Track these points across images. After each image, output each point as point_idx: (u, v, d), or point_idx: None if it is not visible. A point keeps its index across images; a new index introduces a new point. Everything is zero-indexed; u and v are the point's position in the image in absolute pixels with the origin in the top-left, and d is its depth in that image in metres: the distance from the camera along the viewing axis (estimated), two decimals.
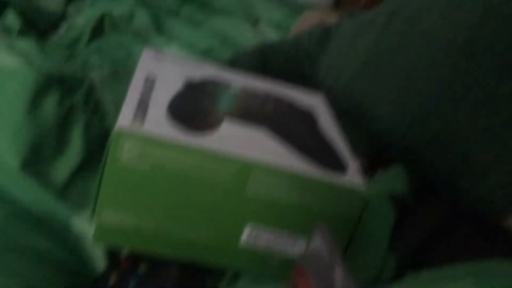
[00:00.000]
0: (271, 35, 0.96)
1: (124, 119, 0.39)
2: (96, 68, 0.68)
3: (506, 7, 0.52)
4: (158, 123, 0.39)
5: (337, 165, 0.43)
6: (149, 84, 0.45)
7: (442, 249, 0.54)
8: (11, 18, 0.76)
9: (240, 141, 0.41)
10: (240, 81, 0.52)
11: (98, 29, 0.78)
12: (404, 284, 0.46)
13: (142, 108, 0.41)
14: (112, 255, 0.44)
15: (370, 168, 0.61)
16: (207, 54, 0.81)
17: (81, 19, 0.83)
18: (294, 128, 0.46)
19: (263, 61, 0.71)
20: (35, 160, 0.46)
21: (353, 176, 0.42)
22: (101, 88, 0.63)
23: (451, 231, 0.56)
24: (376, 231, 0.49)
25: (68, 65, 0.65)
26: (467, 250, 0.53)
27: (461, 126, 0.53)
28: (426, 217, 0.56)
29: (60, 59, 0.65)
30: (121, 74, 0.72)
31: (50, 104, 0.48)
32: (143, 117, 0.40)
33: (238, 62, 0.71)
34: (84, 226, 0.45)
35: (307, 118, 0.49)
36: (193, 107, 0.44)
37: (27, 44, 0.57)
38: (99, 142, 0.51)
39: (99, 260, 0.44)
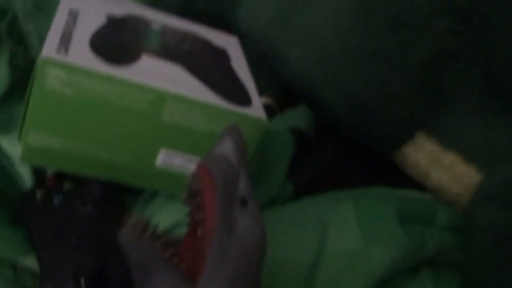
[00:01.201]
0: None
1: (49, 48, 0.42)
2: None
3: None
4: (81, 54, 0.43)
5: (244, 100, 0.49)
6: (73, 17, 0.48)
7: (334, 179, 0.62)
8: None
9: (158, 74, 0.45)
10: (161, 19, 0.56)
11: None
12: (296, 204, 0.55)
13: (66, 39, 0.44)
14: (39, 174, 0.49)
15: (279, 108, 0.68)
16: None
17: None
18: (208, 65, 0.51)
19: (184, 3, 0.74)
20: None
21: (256, 109, 0.48)
22: (24, 20, 0.64)
23: (343, 164, 0.65)
24: (276, 158, 0.56)
25: None
26: (354, 179, 0.62)
27: (356, 71, 0.60)
28: (323, 151, 0.64)
29: None
30: (44, 6, 0.72)
31: None
32: (67, 48, 0.43)
33: (160, 2, 0.73)
34: (11, 147, 0.48)
35: (221, 56, 0.54)
36: (114, 42, 0.48)
37: None
38: (23, 72, 0.54)
39: (26, 179, 0.48)
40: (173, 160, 0.47)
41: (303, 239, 0.50)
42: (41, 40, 0.64)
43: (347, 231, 0.50)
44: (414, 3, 0.57)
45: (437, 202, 0.59)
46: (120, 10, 0.54)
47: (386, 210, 0.53)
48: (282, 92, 0.70)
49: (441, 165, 0.60)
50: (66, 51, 0.43)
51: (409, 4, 0.58)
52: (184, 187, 0.36)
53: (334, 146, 0.66)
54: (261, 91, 0.53)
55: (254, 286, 0.34)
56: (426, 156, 0.61)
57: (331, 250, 0.49)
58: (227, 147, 0.37)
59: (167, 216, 0.48)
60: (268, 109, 0.51)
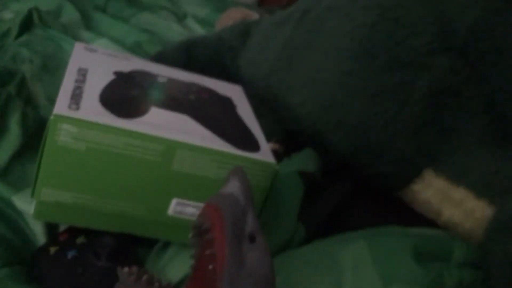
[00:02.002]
0: (197, 30, 1.02)
1: (61, 105, 0.43)
2: (26, 62, 0.71)
3: (398, 10, 0.61)
4: (92, 109, 0.44)
5: (252, 146, 0.49)
6: (82, 75, 0.50)
7: (345, 220, 0.62)
8: None
9: (166, 125, 0.46)
10: (166, 72, 0.57)
11: (27, 24, 0.80)
12: (309, 247, 0.54)
13: (76, 96, 0.46)
14: (52, 229, 0.49)
15: (285, 153, 0.69)
16: (134, 49, 0.85)
17: (9, 14, 0.85)
18: (215, 113, 0.52)
19: (188, 55, 0.77)
20: None
21: (265, 154, 0.49)
22: (32, 81, 0.66)
23: (352, 205, 0.65)
24: (287, 202, 0.56)
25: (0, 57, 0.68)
26: (365, 219, 0.61)
27: (360, 112, 0.61)
28: (332, 193, 0.64)
29: None
30: (51, 68, 0.75)
31: None
32: (78, 104, 0.44)
33: (164, 56, 0.76)
34: (24, 205, 0.48)
35: (227, 104, 0.55)
36: (123, 96, 0.49)
37: None
38: (34, 131, 0.55)
39: (39, 236, 0.48)
40: (185, 209, 0.47)
41: (320, 282, 0.49)
42: (50, 100, 0.66)
43: (363, 272, 0.50)
44: (411, 44, 0.59)
45: (452, 238, 0.58)
46: (127, 66, 0.55)
47: (401, 248, 0.53)
48: (287, 137, 0.70)
49: (451, 201, 0.60)
50: (77, 107, 0.44)
51: (407, 45, 0.59)
52: (192, 228, 0.36)
53: (342, 187, 0.66)
54: (267, 137, 0.54)
55: None
56: (435, 192, 0.61)
57: None
58: (233, 186, 0.38)
59: (180, 265, 0.48)
60: (275, 154, 0.52)
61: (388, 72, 0.60)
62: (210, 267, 0.35)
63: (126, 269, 0.35)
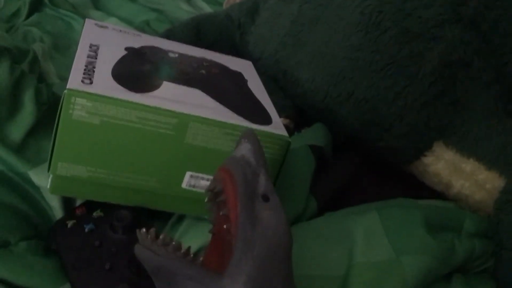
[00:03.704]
0: (205, 9, 1.02)
1: (74, 80, 0.44)
2: (37, 41, 0.71)
3: None
4: (105, 84, 0.45)
5: (264, 119, 0.50)
6: (94, 51, 0.50)
7: (355, 193, 0.62)
8: None
9: (179, 99, 0.47)
10: (177, 48, 0.57)
11: (36, 4, 0.80)
12: (321, 220, 0.55)
13: (89, 71, 0.46)
14: (69, 204, 0.50)
15: (295, 128, 0.69)
16: (143, 28, 0.85)
17: None
18: (226, 87, 0.52)
19: (197, 33, 0.77)
20: None
21: (277, 127, 0.49)
22: (44, 60, 0.67)
23: (362, 178, 0.65)
24: (299, 176, 0.57)
25: (11, 37, 0.68)
26: (376, 192, 0.62)
27: (369, 86, 0.61)
28: (343, 166, 0.65)
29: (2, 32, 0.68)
30: (61, 47, 0.75)
31: (3, 71, 0.52)
32: (91, 79, 0.45)
33: (173, 34, 0.76)
34: (40, 180, 0.49)
35: (238, 79, 0.55)
36: (135, 71, 0.49)
37: None
38: (48, 108, 0.55)
39: (56, 210, 0.49)
40: (199, 182, 0.48)
41: (332, 253, 0.50)
42: (61, 78, 0.66)
43: (375, 242, 0.50)
44: (421, 15, 0.59)
45: (462, 210, 0.59)
46: (138, 42, 0.55)
47: (412, 219, 0.53)
48: (297, 113, 0.71)
49: (462, 173, 0.61)
50: (91, 82, 0.44)
51: (417, 17, 0.59)
52: (206, 192, 0.37)
53: (352, 161, 0.66)
54: (277, 112, 0.54)
55: (283, 275, 0.35)
56: (446, 165, 0.62)
57: (362, 262, 0.49)
58: (244, 149, 0.38)
59: (195, 238, 0.49)
60: (285, 129, 0.52)
61: (397, 45, 0.59)
62: (225, 227, 0.35)
63: (143, 230, 0.35)
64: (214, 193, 0.36)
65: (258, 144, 0.38)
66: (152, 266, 0.34)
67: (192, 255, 0.35)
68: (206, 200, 0.37)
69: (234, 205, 0.35)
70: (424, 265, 0.49)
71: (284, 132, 0.49)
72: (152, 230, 0.35)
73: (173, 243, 0.35)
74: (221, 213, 0.36)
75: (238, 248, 0.33)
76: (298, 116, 0.70)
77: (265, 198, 0.36)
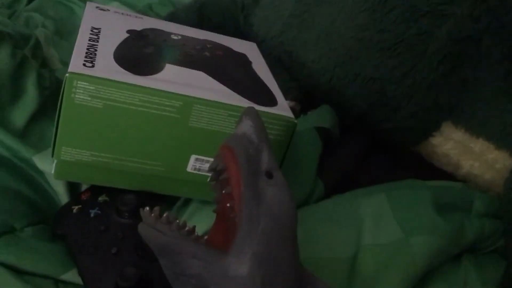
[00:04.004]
0: None
1: (75, 63, 0.43)
2: (39, 27, 0.71)
3: None
4: (107, 67, 0.44)
5: (269, 100, 0.49)
6: (95, 34, 0.49)
7: (363, 175, 0.62)
8: None
9: (182, 81, 0.46)
10: (180, 30, 0.57)
11: None
12: (329, 202, 0.54)
13: (91, 55, 0.45)
14: (74, 189, 0.49)
15: (301, 110, 0.68)
16: (146, 11, 0.84)
17: None
18: (230, 69, 0.52)
19: (200, 15, 0.76)
20: None
21: (283, 108, 0.48)
22: (46, 46, 0.66)
23: (370, 160, 0.65)
24: (306, 158, 0.56)
25: (13, 22, 0.67)
26: (383, 174, 0.61)
27: (376, 66, 0.60)
28: (350, 148, 0.64)
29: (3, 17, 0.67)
30: (64, 32, 0.74)
31: (5, 56, 0.52)
32: (93, 62, 0.44)
33: (176, 16, 0.75)
34: (45, 165, 0.49)
35: (242, 61, 0.55)
36: (137, 54, 0.48)
37: None
38: (51, 92, 0.55)
39: (62, 195, 0.49)
40: (203, 165, 0.47)
41: (341, 235, 0.49)
42: (64, 63, 0.65)
43: (384, 223, 0.50)
44: None
45: (471, 190, 0.58)
46: (140, 25, 0.55)
47: (421, 199, 0.53)
48: (302, 94, 0.70)
49: (471, 153, 0.60)
50: (92, 65, 0.44)
51: None
52: (209, 170, 0.36)
53: (360, 143, 0.65)
54: (283, 95, 0.53)
55: (288, 251, 0.34)
56: (455, 145, 0.61)
57: (370, 243, 0.48)
58: (246, 126, 0.37)
59: (201, 222, 0.49)
60: (291, 111, 0.51)
61: (405, 23, 0.58)
62: (229, 205, 0.35)
63: (147, 208, 0.35)
64: (217, 171, 0.36)
65: (260, 121, 0.38)
66: (156, 244, 0.34)
67: (196, 234, 0.34)
68: (209, 179, 0.37)
69: (237, 182, 0.34)
70: (433, 245, 0.48)
71: (290, 114, 0.48)
72: (156, 208, 0.35)
73: (177, 221, 0.34)
74: (224, 191, 0.35)
75: (242, 225, 0.33)
76: (304, 98, 0.70)
77: (269, 175, 0.35)
